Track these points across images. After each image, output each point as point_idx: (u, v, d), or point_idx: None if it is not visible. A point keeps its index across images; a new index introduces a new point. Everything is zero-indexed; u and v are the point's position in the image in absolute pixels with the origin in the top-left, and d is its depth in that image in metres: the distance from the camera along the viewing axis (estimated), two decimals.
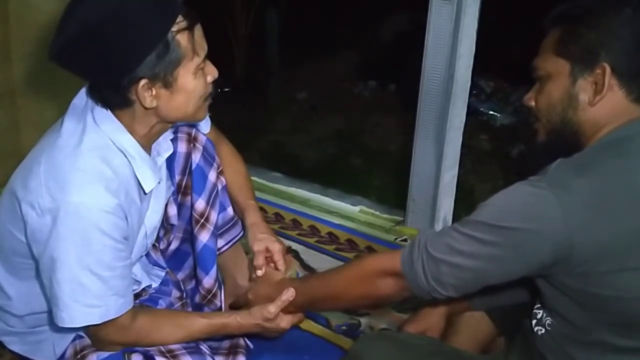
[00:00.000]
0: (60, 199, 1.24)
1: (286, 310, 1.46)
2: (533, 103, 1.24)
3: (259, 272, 1.56)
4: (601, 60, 1.13)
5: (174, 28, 1.23)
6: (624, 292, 1.08)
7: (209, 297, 1.64)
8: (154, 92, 1.27)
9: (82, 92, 1.36)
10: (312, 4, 4.82)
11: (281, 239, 1.64)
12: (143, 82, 1.25)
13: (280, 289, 1.46)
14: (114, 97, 1.28)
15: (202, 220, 1.60)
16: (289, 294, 1.44)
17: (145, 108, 1.29)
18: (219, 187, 1.65)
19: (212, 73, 1.35)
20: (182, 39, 1.25)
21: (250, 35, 4.50)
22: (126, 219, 1.32)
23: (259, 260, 1.56)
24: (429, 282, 1.17)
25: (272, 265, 1.59)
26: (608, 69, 1.12)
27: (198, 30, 1.28)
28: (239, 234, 1.75)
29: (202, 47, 1.30)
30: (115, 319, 1.32)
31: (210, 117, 1.60)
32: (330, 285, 1.38)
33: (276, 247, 1.58)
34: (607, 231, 1.05)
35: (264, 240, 1.58)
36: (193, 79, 1.30)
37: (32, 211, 1.27)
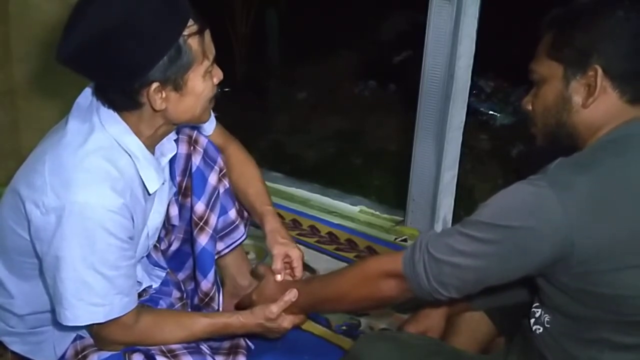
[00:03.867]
0: (65, 198, 1.24)
1: (289, 311, 1.46)
2: (530, 107, 1.25)
3: (278, 277, 1.55)
4: (593, 62, 1.13)
5: (186, 32, 1.24)
6: (624, 291, 1.09)
7: (207, 300, 1.64)
8: (164, 95, 1.28)
9: (87, 91, 1.36)
10: (312, 4, 4.81)
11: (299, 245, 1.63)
12: (155, 85, 1.25)
13: (283, 290, 1.46)
14: (123, 99, 1.29)
15: (201, 224, 1.60)
16: (291, 295, 1.44)
17: (155, 110, 1.30)
18: (221, 190, 1.65)
19: (218, 75, 1.36)
20: (194, 43, 1.26)
21: (250, 35, 4.50)
22: (132, 219, 1.32)
23: (278, 264, 1.56)
24: (431, 283, 1.17)
25: (288, 271, 1.58)
26: (600, 71, 1.13)
27: (207, 34, 1.29)
28: (240, 237, 1.74)
29: (211, 51, 1.31)
30: (119, 318, 1.33)
31: (216, 117, 1.60)
32: (332, 286, 1.39)
33: (296, 254, 1.58)
34: (608, 230, 1.06)
35: (284, 246, 1.58)
36: (202, 82, 1.31)
37: (37, 210, 1.27)
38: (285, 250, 1.57)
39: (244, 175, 1.69)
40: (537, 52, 1.22)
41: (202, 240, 1.61)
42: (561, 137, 1.20)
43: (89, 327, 1.37)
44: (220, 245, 1.71)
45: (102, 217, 1.25)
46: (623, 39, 1.12)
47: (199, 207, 1.60)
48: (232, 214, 1.70)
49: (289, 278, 1.57)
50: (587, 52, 1.13)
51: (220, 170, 1.64)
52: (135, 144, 1.33)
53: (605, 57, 1.13)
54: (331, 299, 1.40)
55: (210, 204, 1.62)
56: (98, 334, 1.39)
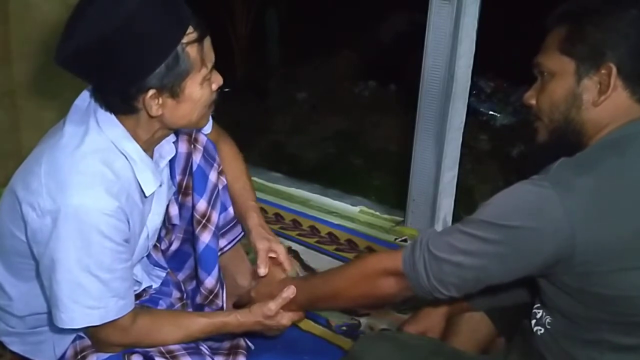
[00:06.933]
0: (60, 200, 1.24)
1: (287, 308, 1.46)
2: (534, 101, 1.23)
3: (262, 271, 1.55)
4: (607, 60, 1.13)
5: (184, 40, 1.23)
6: (625, 291, 1.09)
7: (211, 297, 1.64)
8: (160, 101, 1.28)
9: (85, 93, 1.36)
10: (312, 4, 4.81)
11: (281, 239, 1.64)
12: (151, 92, 1.25)
13: (281, 287, 1.46)
14: (120, 103, 1.28)
15: (203, 221, 1.60)
16: (289, 292, 1.44)
17: (151, 116, 1.29)
18: (220, 187, 1.65)
19: (217, 81, 1.35)
20: (192, 51, 1.25)
21: (250, 35, 4.50)
22: (128, 221, 1.32)
23: (264, 259, 1.56)
24: (431, 282, 1.17)
25: (277, 266, 1.58)
26: (614, 70, 1.12)
27: (207, 42, 1.29)
28: (240, 233, 1.75)
29: (210, 59, 1.31)
30: (116, 320, 1.33)
31: (212, 116, 1.60)
32: (331, 284, 1.39)
33: (282, 249, 1.59)
34: (609, 230, 1.06)
35: (268, 241, 1.59)
36: (199, 89, 1.30)
37: (33, 212, 1.27)
38: (269, 245, 1.58)
39: (231, 170, 1.69)
40: (545, 46, 1.20)
41: (205, 237, 1.61)
42: (567, 134, 1.18)
43: (86, 330, 1.37)
44: (222, 242, 1.71)
45: (97, 220, 1.25)
46: (636, 38, 1.12)
47: (201, 204, 1.60)
48: (232, 210, 1.71)
49: (281, 274, 1.57)
50: (601, 49, 1.13)
51: (219, 167, 1.65)
52: (132, 147, 1.33)
53: (618, 55, 1.12)
54: (330, 296, 1.40)
55: (212, 201, 1.62)
56: (95, 336, 1.39)
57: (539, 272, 1.15)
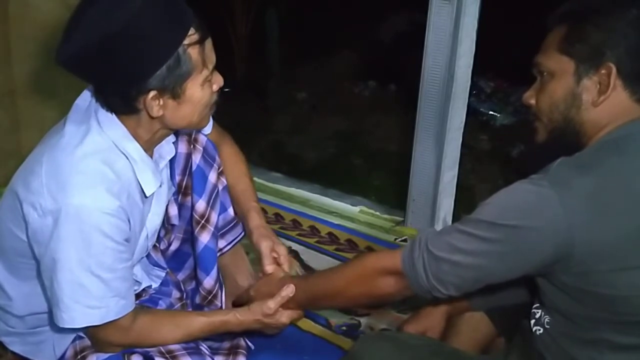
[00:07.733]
0: (61, 200, 1.24)
1: (286, 306, 1.47)
2: (533, 101, 1.23)
3: (269, 269, 1.56)
4: (607, 60, 1.12)
5: (186, 41, 1.24)
6: (624, 291, 1.09)
7: (210, 297, 1.64)
8: (161, 102, 1.28)
9: (85, 93, 1.36)
10: (312, 4, 4.81)
11: (281, 239, 1.65)
12: (152, 93, 1.25)
13: (281, 286, 1.46)
14: (121, 104, 1.29)
15: (202, 221, 1.60)
16: (288, 290, 1.44)
17: (152, 117, 1.29)
18: (220, 188, 1.65)
19: (218, 82, 1.35)
20: (193, 52, 1.25)
21: (250, 35, 4.50)
22: (128, 221, 1.32)
23: (269, 257, 1.57)
24: (430, 281, 1.17)
25: (277, 265, 1.59)
26: (614, 70, 1.12)
27: (208, 43, 1.29)
28: (240, 234, 1.75)
29: (211, 60, 1.31)
30: (116, 320, 1.33)
31: (212, 116, 1.60)
32: (330, 282, 1.39)
33: (283, 250, 1.60)
34: (608, 230, 1.06)
35: (271, 241, 1.60)
36: (200, 90, 1.30)
37: (34, 212, 1.27)
38: (272, 246, 1.59)
39: (233, 171, 1.69)
40: (545, 46, 1.20)
41: (204, 238, 1.61)
42: (566, 134, 1.18)
43: (86, 329, 1.37)
44: (221, 243, 1.71)
45: (98, 220, 1.25)
46: (636, 38, 1.12)
47: (200, 205, 1.60)
48: (232, 210, 1.71)
49: (280, 272, 1.57)
50: (601, 49, 1.13)
51: (219, 168, 1.65)
52: (133, 147, 1.33)
53: (618, 55, 1.12)
54: (329, 295, 1.40)
55: (211, 201, 1.62)
56: (95, 336, 1.39)
57: (537, 271, 1.15)
